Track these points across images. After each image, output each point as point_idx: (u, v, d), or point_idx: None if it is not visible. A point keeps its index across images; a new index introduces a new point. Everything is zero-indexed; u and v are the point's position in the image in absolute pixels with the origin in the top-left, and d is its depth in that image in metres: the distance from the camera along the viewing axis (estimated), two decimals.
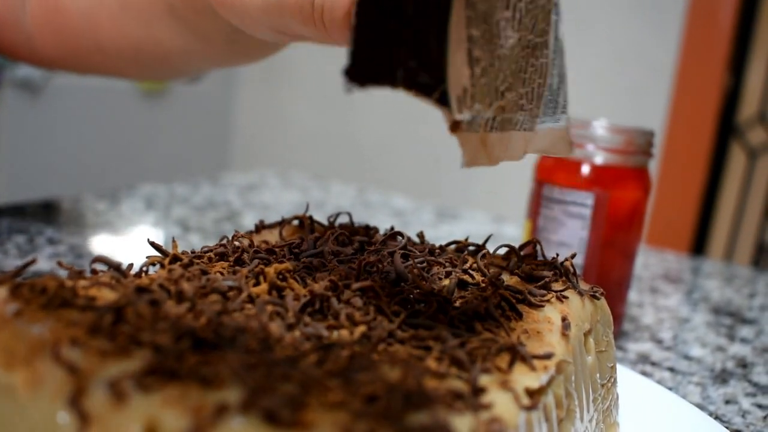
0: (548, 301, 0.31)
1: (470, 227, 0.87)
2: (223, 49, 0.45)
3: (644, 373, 0.47)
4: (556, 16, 0.30)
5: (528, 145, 0.31)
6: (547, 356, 0.26)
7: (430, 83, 0.25)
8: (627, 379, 0.39)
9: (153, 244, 0.31)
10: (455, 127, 0.25)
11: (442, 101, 0.25)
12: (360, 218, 0.78)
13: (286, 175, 1.07)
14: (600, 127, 0.49)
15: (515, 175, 1.36)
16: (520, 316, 0.29)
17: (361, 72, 0.25)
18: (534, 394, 0.24)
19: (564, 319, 0.30)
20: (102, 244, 0.63)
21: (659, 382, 0.46)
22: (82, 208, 0.74)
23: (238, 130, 2.36)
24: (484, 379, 0.23)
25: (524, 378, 0.24)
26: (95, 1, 0.48)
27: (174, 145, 2.11)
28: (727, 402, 0.44)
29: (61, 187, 1.68)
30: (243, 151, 2.35)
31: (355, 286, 0.28)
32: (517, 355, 0.25)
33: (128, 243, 0.65)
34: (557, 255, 0.36)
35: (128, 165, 1.95)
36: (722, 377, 0.48)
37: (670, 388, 0.45)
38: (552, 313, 0.30)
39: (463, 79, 0.25)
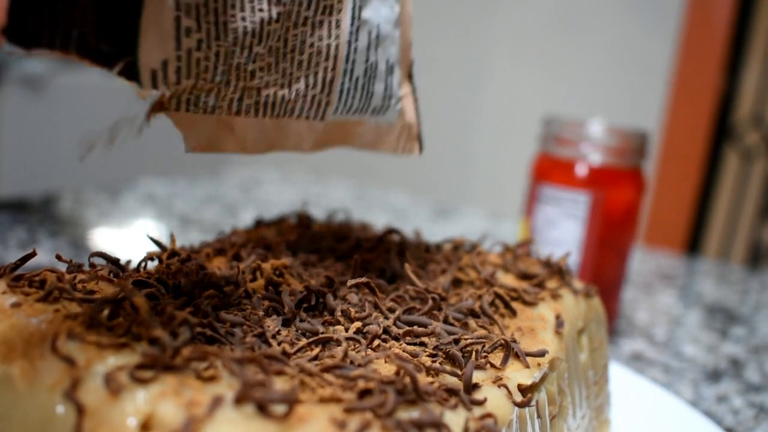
0: (542, 299, 0.31)
1: (467, 224, 0.87)
2: None
3: (638, 371, 0.47)
4: None
5: (323, 136, 0.27)
6: (541, 354, 0.26)
7: (111, 51, 0.21)
8: (620, 376, 0.39)
9: (152, 239, 0.31)
10: (157, 107, 0.22)
11: (129, 74, 0.21)
12: (358, 214, 0.78)
13: (286, 171, 1.07)
14: (595, 127, 0.49)
15: (513, 173, 1.37)
16: (514, 313, 0.29)
17: (24, 30, 0.20)
18: (527, 390, 0.24)
19: (558, 317, 0.30)
20: (102, 238, 0.63)
21: (652, 379, 0.46)
22: (83, 201, 0.74)
23: None
24: (477, 376, 0.24)
25: (517, 375, 0.25)
26: None
27: (175, 140, 2.10)
28: (720, 400, 0.45)
29: (63, 181, 1.68)
30: None
31: (351, 282, 0.28)
32: (511, 352, 0.25)
33: (128, 237, 0.65)
34: (551, 254, 0.36)
35: (129, 160, 1.94)
36: (715, 375, 0.48)
37: (663, 386, 0.45)
38: (546, 311, 0.30)
39: (160, 51, 0.21)
